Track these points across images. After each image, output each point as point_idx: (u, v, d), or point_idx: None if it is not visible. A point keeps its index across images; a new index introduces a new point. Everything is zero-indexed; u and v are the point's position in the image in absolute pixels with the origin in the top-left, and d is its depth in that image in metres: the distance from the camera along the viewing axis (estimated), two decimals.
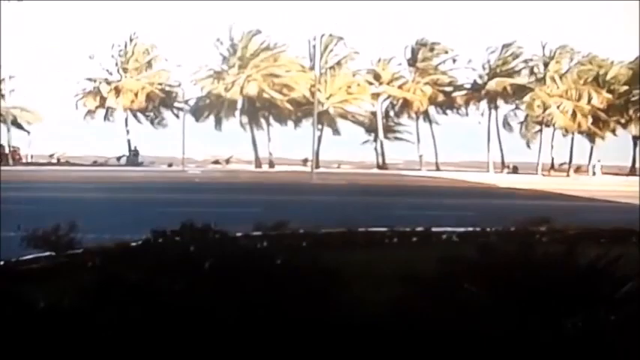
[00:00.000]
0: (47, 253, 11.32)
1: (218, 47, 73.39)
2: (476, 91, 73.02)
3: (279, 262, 7.53)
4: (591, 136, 70.06)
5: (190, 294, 6.25)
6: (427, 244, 14.26)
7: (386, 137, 75.41)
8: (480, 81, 72.92)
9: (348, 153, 78.47)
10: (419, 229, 15.31)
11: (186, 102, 74.47)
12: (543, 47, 71.17)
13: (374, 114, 74.93)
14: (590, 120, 68.36)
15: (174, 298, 6.07)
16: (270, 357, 5.35)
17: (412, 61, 74.49)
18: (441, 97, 73.68)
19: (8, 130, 73.15)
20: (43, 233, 11.24)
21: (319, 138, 69.82)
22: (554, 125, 70.07)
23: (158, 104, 75.89)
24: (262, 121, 74.12)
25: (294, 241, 13.10)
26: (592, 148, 71.25)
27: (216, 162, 76.04)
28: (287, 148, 74.46)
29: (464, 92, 74.15)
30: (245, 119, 73.66)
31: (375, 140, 75.72)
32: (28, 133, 74.68)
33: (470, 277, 6.43)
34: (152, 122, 76.83)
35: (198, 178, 52.91)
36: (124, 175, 53.93)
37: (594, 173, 69.60)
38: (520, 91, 70.42)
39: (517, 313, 5.78)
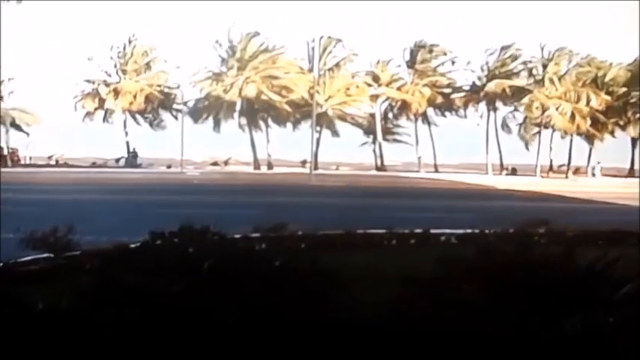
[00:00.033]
0: (45, 255, 11.32)
1: (217, 49, 73.49)
2: (474, 93, 73.04)
3: (277, 263, 7.52)
4: (590, 138, 70.10)
5: (189, 296, 6.25)
6: (426, 246, 14.26)
7: (385, 139, 75.42)
8: (478, 83, 72.94)
9: (346, 155, 78.48)
10: (417, 231, 15.31)
11: (185, 104, 74.46)
12: (542, 49, 71.29)
13: (373, 116, 74.95)
14: (589, 122, 68.40)
15: (173, 300, 6.06)
16: (269, 358, 5.35)
17: (411, 63, 74.49)
18: (439, 99, 73.69)
19: (7, 131, 73.13)
20: (41, 235, 11.24)
21: (318, 140, 69.83)
22: (552, 127, 70.09)
23: (157, 106, 75.88)
24: (261, 122, 74.13)
25: (293, 242, 13.09)
26: (590, 150, 71.28)
27: (215, 164, 76.03)
28: (286, 150, 74.46)
29: (462, 94, 74.15)
30: (244, 121, 73.68)
31: (374, 142, 75.72)
32: (27, 134, 74.66)
33: (468, 278, 6.43)
34: (151, 124, 76.81)
35: (197, 180, 52.90)
36: (122, 176, 53.96)
37: (594, 175, 69.63)
38: (519, 92, 70.44)
39: (515, 314, 5.78)
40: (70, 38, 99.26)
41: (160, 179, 51.57)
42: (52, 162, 74.01)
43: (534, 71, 72.10)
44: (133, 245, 11.04)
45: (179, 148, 69.97)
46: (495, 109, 73.61)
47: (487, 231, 15.15)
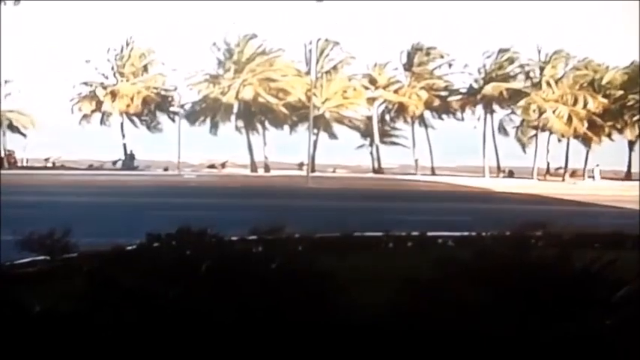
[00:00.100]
0: (43, 257, 11.32)
1: (214, 51, 73.45)
2: (472, 96, 72.99)
3: (274, 266, 7.55)
4: (587, 141, 70.13)
5: (187, 298, 6.26)
6: (423, 248, 14.27)
7: (382, 142, 75.37)
8: (475, 85, 72.89)
9: (343, 157, 78.44)
10: (414, 233, 15.33)
11: (182, 106, 74.39)
12: (539, 52, 71.28)
13: (370, 118, 74.90)
14: (586, 125, 68.43)
15: (171, 302, 6.07)
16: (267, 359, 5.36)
17: (408, 66, 74.46)
18: (436, 102, 73.64)
19: (3, 133, 73.03)
20: (38, 237, 11.24)
21: (315, 142, 69.78)
22: (549, 130, 70.11)
23: (154, 108, 75.79)
24: (258, 125, 74.04)
25: (290, 245, 13.10)
26: (587, 153, 71.33)
27: (212, 166, 75.96)
28: (283, 153, 74.40)
29: (460, 97, 74.10)
30: (241, 123, 73.60)
31: (371, 144, 75.68)
32: (25, 136, 74.53)
33: (465, 280, 6.45)
34: (148, 126, 76.69)
35: (194, 182, 52.87)
36: (119, 179, 53.91)
37: (593, 177, 69.66)
38: (516, 95, 70.40)
39: (511, 316, 5.80)
40: (68, 41, 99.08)
41: (157, 182, 51.52)
42: (49, 164, 73.89)
43: (531, 74, 72.06)
44: (130, 247, 11.04)
45: (176, 150, 69.90)
46: (492, 112, 73.58)
47: (484, 233, 15.16)
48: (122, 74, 74.25)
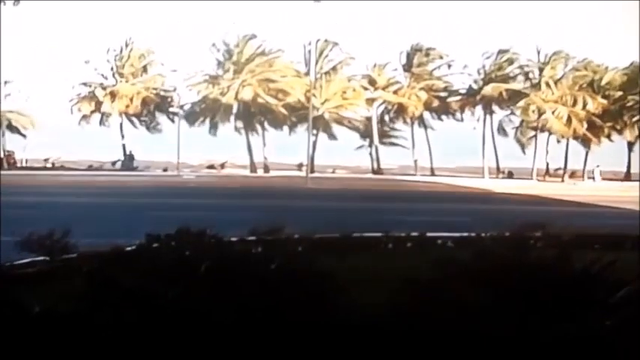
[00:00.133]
0: (42, 258, 11.32)
1: (213, 52, 73.45)
2: (471, 97, 72.97)
3: (274, 266, 7.54)
4: (586, 142, 70.12)
5: (186, 298, 6.26)
6: (422, 249, 14.26)
7: (381, 142, 75.36)
8: (475, 86, 72.87)
9: (343, 158, 78.42)
10: (414, 234, 15.32)
11: (181, 107, 74.39)
12: (538, 52, 71.27)
13: (369, 119, 74.88)
14: (585, 125, 68.44)
15: (170, 303, 6.07)
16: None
17: (407, 67, 74.47)
18: (436, 103, 73.63)
19: (3, 134, 73.02)
20: (38, 238, 11.24)
21: (314, 143, 69.77)
22: (549, 130, 70.10)
23: (153, 109, 75.80)
24: (257, 125, 74.02)
25: (290, 245, 13.09)
26: (587, 154, 71.32)
27: (211, 167, 75.94)
28: (282, 153, 74.40)
29: (459, 97, 74.07)
30: (240, 124, 73.58)
31: (370, 145, 75.66)
32: (24, 137, 74.50)
33: (464, 281, 6.45)
34: (147, 127, 76.70)
35: (193, 183, 52.87)
36: (119, 179, 53.91)
37: (593, 178, 69.67)
38: (515, 96, 70.40)
39: (511, 316, 5.80)
40: (67, 41, 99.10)
41: (157, 182, 51.51)
42: (49, 165, 73.89)
43: (531, 75, 72.10)
44: (129, 248, 11.04)
45: (175, 151, 69.91)
46: (492, 113, 73.57)
47: (483, 234, 15.15)
48: (121, 75, 74.26)
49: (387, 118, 76.68)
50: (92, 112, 74.25)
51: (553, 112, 68.09)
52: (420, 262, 7.86)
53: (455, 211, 30.67)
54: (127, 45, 74.88)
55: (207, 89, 72.88)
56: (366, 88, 73.80)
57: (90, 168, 71.88)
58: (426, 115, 75.06)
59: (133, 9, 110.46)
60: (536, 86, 70.13)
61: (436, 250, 14.25)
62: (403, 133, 76.92)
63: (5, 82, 70.75)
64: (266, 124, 73.95)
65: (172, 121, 74.97)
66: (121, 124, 75.29)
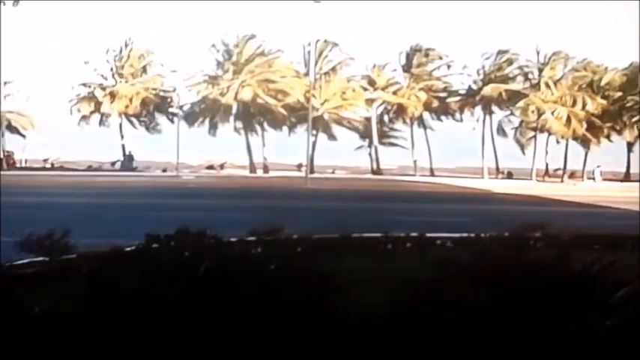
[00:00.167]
0: (42, 258, 11.31)
1: (213, 52, 73.45)
2: (470, 97, 72.96)
3: (273, 266, 7.54)
4: (586, 142, 70.11)
5: (186, 298, 6.25)
6: (421, 249, 14.25)
7: (380, 143, 75.34)
8: (474, 87, 72.87)
9: (342, 158, 78.42)
10: (413, 234, 15.31)
11: (180, 107, 74.36)
12: (538, 53, 71.28)
13: (368, 119, 74.87)
14: (585, 126, 68.44)
15: (170, 303, 6.07)
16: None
17: (407, 67, 74.47)
18: (435, 103, 73.62)
19: (3, 134, 73.00)
20: (37, 238, 11.24)
21: (314, 143, 69.77)
22: (548, 131, 70.10)
23: (153, 109, 75.79)
24: (257, 126, 74.01)
25: (289, 246, 13.09)
26: (586, 154, 71.32)
27: (211, 167, 75.92)
28: (281, 154, 74.40)
29: (458, 98, 74.06)
30: (240, 124, 73.57)
31: (370, 146, 75.64)
32: (24, 137, 74.48)
33: (464, 281, 6.44)
34: (147, 127, 76.68)
35: (193, 184, 52.86)
36: (118, 180, 53.90)
37: (593, 179, 69.67)
38: (515, 96, 70.39)
39: (510, 316, 5.79)
40: (67, 41, 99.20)
41: (156, 183, 51.52)
42: (48, 165, 73.88)
43: (530, 75, 72.11)
44: (129, 248, 11.04)
45: (175, 151, 69.90)
46: (491, 113, 73.56)
47: (483, 235, 15.15)
48: (121, 75, 74.24)
49: (386, 118, 76.67)
50: (92, 112, 74.24)
51: (552, 113, 68.09)
52: (419, 263, 7.86)
53: (454, 211, 30.67)
54: (126, 45, 74.88)
55: (206, 90, 72.87)
56: (365, 89, 73.80)
57: (89, 168, 71.85)
58: (426, 115, 75.07)
59: (132, 9, 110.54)
60: (536, 87, 70.13)
61: (435, 250, 14.24)
62: (403, 133, 76.95)
63: (5, 83, 70.71)
64: (265, 125, 73.94)
65: (172, 121, 74.96)
66: (120, 125, 75.29)
